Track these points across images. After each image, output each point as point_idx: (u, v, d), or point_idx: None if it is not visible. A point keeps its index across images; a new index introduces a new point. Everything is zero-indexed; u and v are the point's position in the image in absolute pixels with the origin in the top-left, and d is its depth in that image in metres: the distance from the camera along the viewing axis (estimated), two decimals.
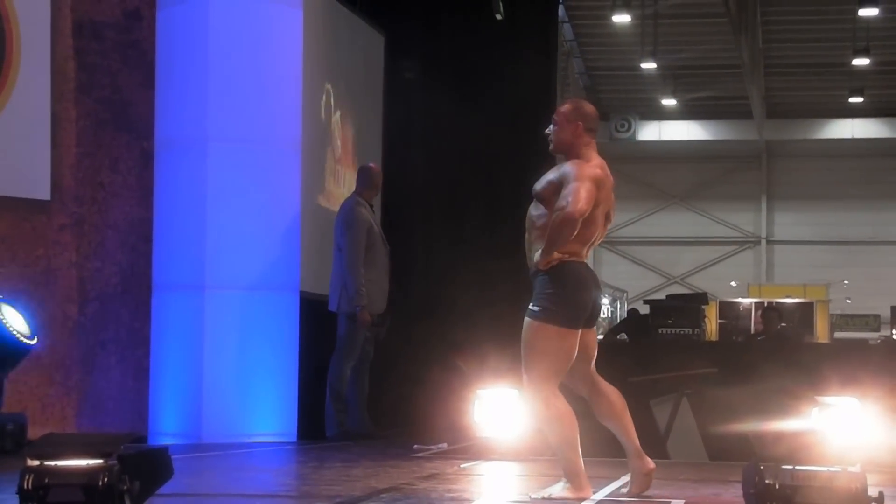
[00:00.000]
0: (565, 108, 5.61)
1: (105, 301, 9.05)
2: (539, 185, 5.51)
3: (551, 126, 5.61)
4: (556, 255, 5.32)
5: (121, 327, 9.10)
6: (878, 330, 30.32)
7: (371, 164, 9.54)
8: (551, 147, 5.58)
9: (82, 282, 8.97)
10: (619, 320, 22.31)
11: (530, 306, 5.38)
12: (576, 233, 5.28)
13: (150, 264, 9.02)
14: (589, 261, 5.59)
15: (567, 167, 5.41)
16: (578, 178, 5.33)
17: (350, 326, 9.00)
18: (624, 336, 15.88)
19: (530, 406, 5.46)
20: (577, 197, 5.25)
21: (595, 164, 5.45)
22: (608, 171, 5.53)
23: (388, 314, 9.37)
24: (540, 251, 5.37)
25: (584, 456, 5.41)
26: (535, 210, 5.50)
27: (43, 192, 8.79)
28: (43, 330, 8.04)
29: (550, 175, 5.48)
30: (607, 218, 5.56)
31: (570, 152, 5.49)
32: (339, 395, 9.04)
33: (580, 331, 5.40)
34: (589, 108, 5.63)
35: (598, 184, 5.38)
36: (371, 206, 9.27)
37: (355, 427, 9.08)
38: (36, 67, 8.76)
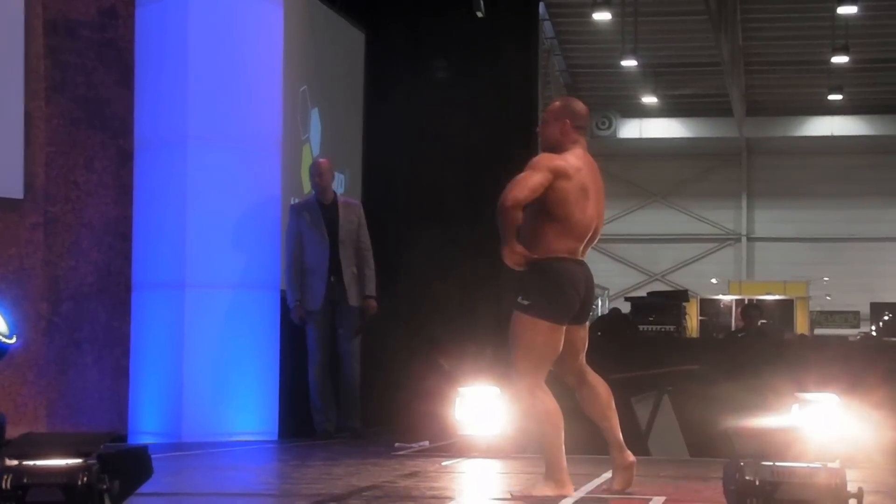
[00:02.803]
0: (555, 105, 5.60)
1: (80, 300, 9.01)
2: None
3: (540, 125, 5.59)
4: (519, 249, 5.30)
5: (97, 326, 9.06)
6: (857, 326, 30.46)
7: (317, 160, 9.35)
8: (541, 145, 5.56)
9: (56, 281, 8.93)
10: (598, 317, 22.33)
11: (519, 299, 5.39)
12: (514, 220, 5.27)
13: (128, 263, 8.99)
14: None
15: (533, 160, 5.43)
16: (529, 167, 5.35)
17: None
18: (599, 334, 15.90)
19: (516, 400, 5.47)
20: (514, 184, 5.30)
21: (566, 156, 5.43)
22: (590, 164, 5.51)
23: (352, 314, 9.10)
24: (532, 246, 5.41)
25: (566, 453, 5.42)
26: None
27: (15, 191, 8.74)
28: (16, 329, 8.00)
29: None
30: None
31: (557, 150, 5.48)
32: (311, 399, 9.07)
33: (568, 327, 5.42)
34: (578, 105, 5.62)
35: (558, 173, 5.36)
36: (322, 203, 9.07)
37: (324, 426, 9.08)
38: (8, 66, 8.71)
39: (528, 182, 5.30)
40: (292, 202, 9.37)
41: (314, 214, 9.06)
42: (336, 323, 9.11)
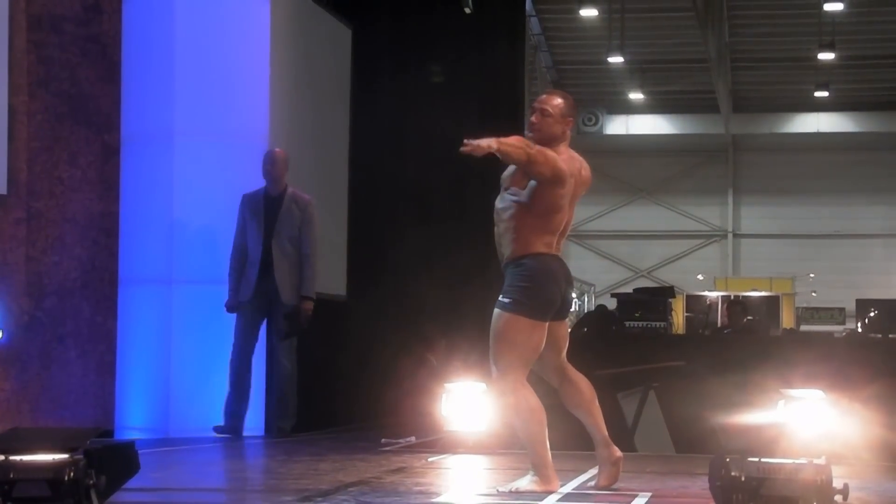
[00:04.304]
0: (558, 102, 5.54)
1: (63, 295, 8.99)
2: (507, 171, 5.54)
3: (538, 116, 5.52)
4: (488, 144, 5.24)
5: (81, 321, 9.05)
6: (843, 323, 30.48)
7: (271, 150, 8.95)
8: (534, 137, 5.51)
9: (39, 276, 8.92)
10: (584, 314, 22.38)
11: (500, 298, 5.41)
12: (525, 154, 5.28)
13: (113, 258, 8.98)
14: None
15: (550, 154, 5.44)
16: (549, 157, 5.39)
17: None
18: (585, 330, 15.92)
19: (498, 398, 5.47)
20: (549, 156, 5.33)
21: (562, 156, 5.47)
22: (571, 160, 5.54)
23: (285, 311, 8.73)
24: (508, 244, 5.42)
25: (552, 449, 5.42)
26: (500, 203, 5.51)
27: None
28: (2, 324, 8.01)
29: None
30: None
31: (551, 145, 5.48)
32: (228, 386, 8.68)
33: (548, 323, 5.42)
34: (573, 101, 5.64)
35: (562, 180, 5.40)
36: (269, 194, 8.79)
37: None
38: None
39: (554, 163, 5.33)
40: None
41: (257, 205, 8.77)
42: (269, 320, 8.81)
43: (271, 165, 8.80)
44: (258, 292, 8.68)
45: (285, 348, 8.77)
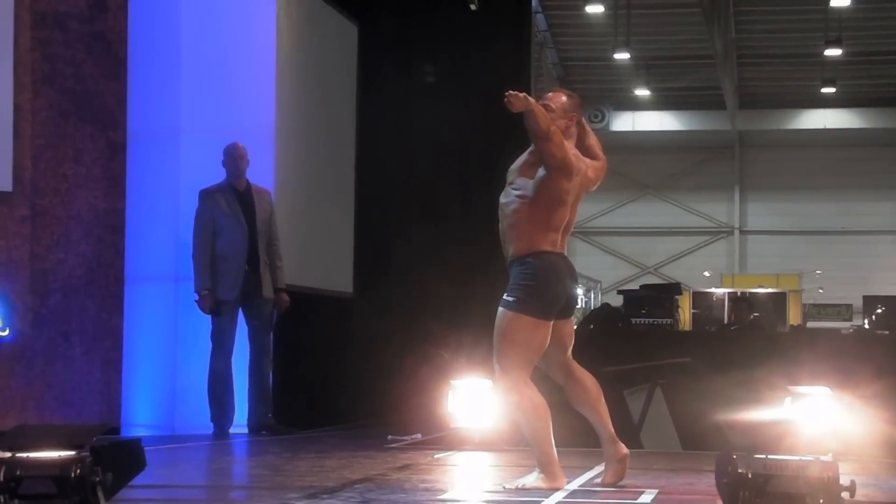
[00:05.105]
0: (562, 99, 5.57)
1: (69, 292, 8.98)
2: (515, 164, 5.54)
3: None
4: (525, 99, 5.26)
5: (86, 319, 9.04)
6: (850, 319, 30.48)
7: (233, 143, 8.74)
8: None
9: (44, 273, 8.91)
10: (591, 311, 22.36)
11: (505, 296, 5.40)
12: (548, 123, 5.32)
13: (119, 255, 8.97)
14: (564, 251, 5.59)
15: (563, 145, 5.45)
16: (561, 146, 5.40)
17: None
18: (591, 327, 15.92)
19: (502, 396, 5.47)
20: (560, 140, 5.35)
21: (572, 153, 5.49)
22: (577, 157, 5.56)
23: (267, 306, 8.69)
24: (513, 241, 5.41)
25: (557, 446, 5.42)
26: (504, 198, 5.51)
27: (4, 184, 8.73)
28: (8, 322, 8.00)
29: (525, 156, 5.51)
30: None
31: None
32: (210, 391, 8.53)
33: (554, 321, 5.42)
34: (579, 100, 5.66)
35: (570, 173, 5.41)
36: (236, 188, 8.64)
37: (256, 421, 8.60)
38: None
39: (566, 153, 5.35)
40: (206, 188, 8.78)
41: (230, 201, 8.60)
42: (249, 315, 8.67)
43: (239, 159, 8.67)
44: (240, 290, 8.58)
45: (268, 345, 8.73)
